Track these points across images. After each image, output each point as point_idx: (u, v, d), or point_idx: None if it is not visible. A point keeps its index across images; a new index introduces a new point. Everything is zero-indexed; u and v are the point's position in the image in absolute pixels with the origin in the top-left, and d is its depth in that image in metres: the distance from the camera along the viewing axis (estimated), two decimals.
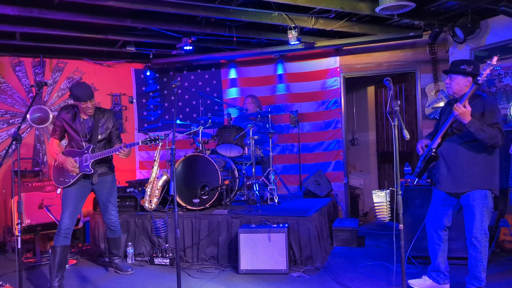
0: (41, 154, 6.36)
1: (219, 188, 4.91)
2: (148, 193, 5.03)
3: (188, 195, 5.04)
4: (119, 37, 5.94)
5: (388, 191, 4.53)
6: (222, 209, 4.95)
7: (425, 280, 3.70)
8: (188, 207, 5.01)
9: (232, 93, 7.12)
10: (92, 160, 4.03)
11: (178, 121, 5.92)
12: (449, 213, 3.56)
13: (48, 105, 6.43)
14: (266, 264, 4.23)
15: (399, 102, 2.99)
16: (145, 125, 7.35)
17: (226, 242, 4.66)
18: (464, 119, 3.19)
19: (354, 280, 3.99)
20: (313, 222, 4.50)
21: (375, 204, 4.61)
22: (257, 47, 6.53)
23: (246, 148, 5.50)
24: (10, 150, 3.39)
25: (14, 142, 3.30)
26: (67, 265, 4.29)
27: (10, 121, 6.19)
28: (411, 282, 3.74)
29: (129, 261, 4.80)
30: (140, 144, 3.98)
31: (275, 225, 4.36)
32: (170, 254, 4.67)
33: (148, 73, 7.27)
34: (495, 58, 3.08)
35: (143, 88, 7.37)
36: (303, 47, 6.10)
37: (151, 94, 7.38)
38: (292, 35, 5.41)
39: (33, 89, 6.27)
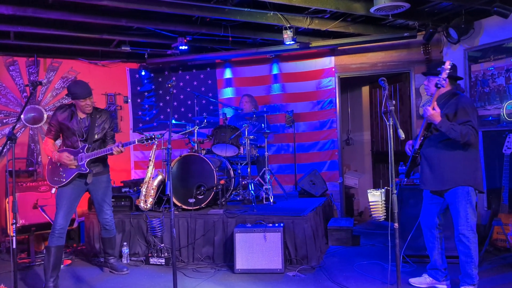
0: (35, 154, 6.33)
1: (214, 188, 4.92)
2: (144, 193, 5.02)
3: (183, 195, 5.04)
4: (114, 37, 5.92)
5: (383, 190, 4.55)
6: (217, 208, 4.95)
7: (425, 278, 3.74)
8: (184, 207, 5.01)
9: (227, 93, 7.12)
10: (88, 159, 4.02)
11: (173, 121, 5.91)
12: (438, 211, 3.63)
13: (42, 104, 6.40)
14: (262, 263, 4.24)
15: (394, 102, 3.00)
16: (140, 125, 7.33)
17: (221, 241, 4.66)
18: (434, 120, 3.32)
19: (349, 279, 4.00)
20: (309, 221, 4.52)
21: (371, 203, 4.63)
22: (252, 47, 6.53)
23: (242, 148, 5.51)
24: (5, 149, 3.37)
25: (8, 142, 3.29)
26: (62, 266, 4.28)
27: (4, 120, 6.15)
28: (412, 280, 3.78)
29: (124, 261, 4.78)
30: (136, 143, 3.98)
31: (271, 225, 4.37)
32: (166, 254, 4.67)
33: (143, 73, 7.25)
34: (447, 63, 3.21)
35: (138, 88, 7.35)
36: (298, 47, 6.11)
37: (146, 94, 7.37)
38: (287, 35, 5.42)
39: (27, 89, 6.24)
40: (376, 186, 7.09)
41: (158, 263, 4.66)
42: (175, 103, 7.27)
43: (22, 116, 6.08)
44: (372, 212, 4.48)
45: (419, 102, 6.14)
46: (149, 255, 4.72)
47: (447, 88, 3.48)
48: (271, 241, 4.23)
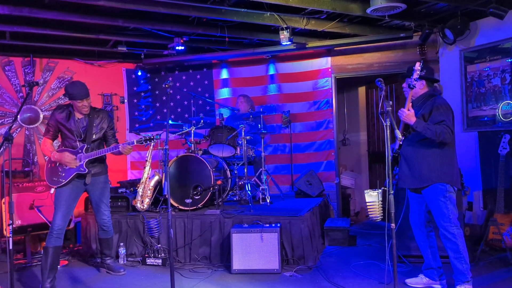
0: (31, 155, 6.31)
1: (211, 188, 4.91)
2: (140, 193, 5.01)
3: (180, 195, 5.03)
4: (110, 37, 5.91)
5: (380, 190, 4.56)
6: (214, 209, 4.95)
7: (422, 278, 3.76)
8: (180, 207, 5.01)
9: (224, 93, 7.12)
10: (86, 160, 4.02)
11: (170, 121, 5.91)
12: (424, 209, 3.67)
13: (38, 105, 6.38)
14: (259, 263, 4.24)
15: (391, 102, 3.03)
16: (137, 125, 7.32)
17: (218, 242, 4.66)
18: (409, 121, 3.39)
19: (346, 279, 4.01)
20: (305, 221, 4.52)
21: (368, 204, 4.63)
22: (249, 48, 6.54)
23: (238, 148, 5.51)
24: (1, 150, 3.36)
25: (5, 142, 3.28)
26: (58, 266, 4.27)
27: (0, 121, 6.13)
28: (408, 281, 3.80)
29: (121, 261, 4.77)
30: (135, 143, 3.98)
31: (267, 225, 4.37)
32: (162, 254, 4.66)
33: (139, 73, 7.24)
34: (417, 64, 3.29)
35: (135, 88, 7.34)
36: (294, 47, 6.13)
37: (142, 94, 7.36)
38: (284, 36, 5.43)
39: (23, 89, 6.22)
40: (372, 187, 7.11)
41: (155, 263, 4.65)
42: (171, 104, 7.27)
43: (18, 116, 6.05)
44: (369, 213, 4.48)
45: None
46: (146, 255, 4.71)
47: (424, 89, 3.57)
48: (268, 242, 4.23)
